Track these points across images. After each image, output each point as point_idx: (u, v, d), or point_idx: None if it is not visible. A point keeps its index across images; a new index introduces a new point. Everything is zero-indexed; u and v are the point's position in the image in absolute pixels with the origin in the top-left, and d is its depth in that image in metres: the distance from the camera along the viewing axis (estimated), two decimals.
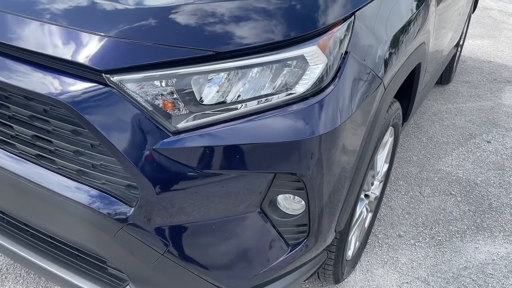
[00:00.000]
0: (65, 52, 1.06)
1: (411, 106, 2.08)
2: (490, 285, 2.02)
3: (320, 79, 1.17)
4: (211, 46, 1.08)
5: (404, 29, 1.51)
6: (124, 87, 1.06)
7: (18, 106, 1.18)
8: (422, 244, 2.23)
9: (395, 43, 1.44)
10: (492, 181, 2.81)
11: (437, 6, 2.01)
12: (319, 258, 1.50)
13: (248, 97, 1.14)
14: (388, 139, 1.90)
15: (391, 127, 1.84)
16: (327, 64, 1.18)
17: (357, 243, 1.98)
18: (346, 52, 1.23)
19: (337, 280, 1.79)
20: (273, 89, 1.15)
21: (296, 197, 1.26)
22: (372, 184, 1.93)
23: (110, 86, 1.06)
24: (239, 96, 1.13)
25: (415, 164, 2.91)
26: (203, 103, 1.11)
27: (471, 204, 2.58)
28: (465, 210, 2.52)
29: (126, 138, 1.07)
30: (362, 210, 1.86)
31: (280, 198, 1.27)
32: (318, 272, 1.71)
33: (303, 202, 1.25)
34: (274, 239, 1.28)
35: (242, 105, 1.13)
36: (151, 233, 1.16)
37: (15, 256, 1.42)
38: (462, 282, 2.02)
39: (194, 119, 1.11)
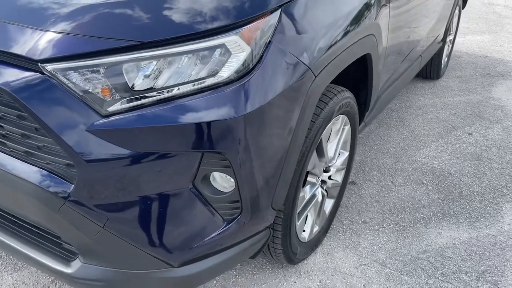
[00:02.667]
0: (5, 44, 1.20)
1: (369, 97, 2.17)
2: (446, 267, 2.09)
3: (243, 65, 1.28)
4: (136, 37, 1.20)
5: (337, 22, 1.61)
6: (57, 75, 1.19)
7: None
8: (386, 230, 2.31)
9: (327, 34, 1.54)
10: (466, 171, 2.86)
11: (390, 2, 2.10)
12: (261, 235, 1.60)
13: (176, 83, 1.25)
14: (342, 127, 1.99)
15: (343, 116, 1.93)
16: (251, 53, 1.29)
17: (316, 227, 2.08)
18: (270, 42, 1.34)
19: (290, 260, 1.89)
20: (200, 74, 1.26)
21: (227, 175, 1.37)
22: (327, 170, 2.03)
23: (45, 74, 1.19)
24: (167, 82, 1.25)
25: (392, 156, 2.99)
26: (134, 89, 1.23)
27: (441, 192, 2.64)
28: (434, 198, 2.58)
29: (61, 121, 1.20)
30: (315, 194, 1.95)
31: (216, 175, 1.39)
32: (269, 251, 1.81)
33: (232, 179, 1.37)
34: (209, 215, 1.39)
35: (170, 90, 1.25)
36: (90, 208, 1.29)
37: None
38: (419, 264, 2.09)
39: (124, 103, 1.23)
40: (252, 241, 1.57)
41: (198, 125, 1.24)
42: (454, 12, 3.90)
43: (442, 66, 4.30)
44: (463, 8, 4.48)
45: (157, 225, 1.35)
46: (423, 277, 2.02)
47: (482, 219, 2.42)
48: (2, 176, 1.35)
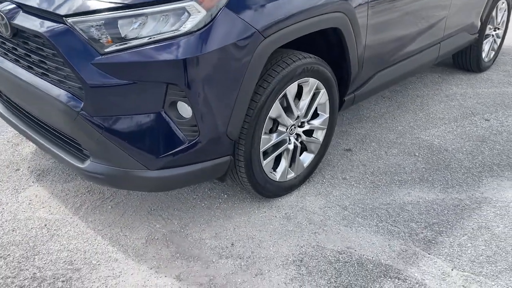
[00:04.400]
0: (43, 5, 1.87)
1: (349, 68, 2.55)
2: (401, 216, 2.39)
3: (199, 23, 1.81)
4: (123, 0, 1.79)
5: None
6: (74, 25, 1.81)
7: (32, 42, 2.01)
8: (360, 186, 2.66)
9: (279, 7, 2.00)
10: (464, 149, 3.05)
11: None
12: (223, 160, 2.11)
13: (152, 34, 1.82)
14: (314, 90, 2.39)
15: (313, 79, 2.34)
16: (205, 14, 1.81)
17: (292, 174, 2.51)
18: (223, 7, 1.84)
19: (258, 191, 2.36)
20: (168, 28, 1.81)
21: (186, 104, 1.90)
22: (302, 125, 2.45)
23: (67, 25, 1.83)
24: (147, 32, 1.81)
25: (397, 133, 3.27)
26: (124, 37, 1.82)
27: (428, 163, 2.89)
28: (419, 167, 2.85)
29: (75, 56, 1.83)
30: (284, 141, 2.38)
31: (181, 104, 1.92)
32: (238, 178, 2.29)
33: (190, 108, 1.89)
34: (175, 133, 1.94)
35: (148, 38, 1.81)
36: (92, 119, 1.90)
37: (32, 138, 2.27)
38: (376, 212, 2.43)
39: (116, 46, 1.82)
40: (214, 163, 2.08)
41: (162, 62, 1.79)
42: (493, 6, 3.98)
43: (486, 59, 4.37)
44: None
45: (138, 136, 1.93)
46: (375, 221, 2.36)
47: (457, 187, 2.65)
48: (46, 98, 2.02)
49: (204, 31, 1.82)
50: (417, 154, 3.00)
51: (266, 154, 2.34)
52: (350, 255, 2.13)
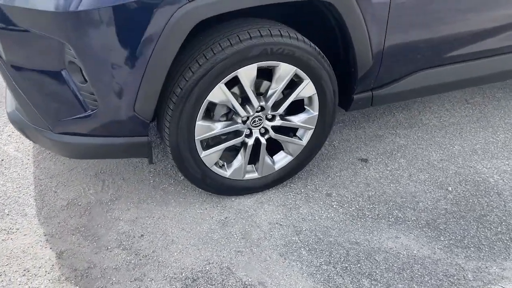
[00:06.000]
0: None
1: (354, 58, 1.93)
2: (358, 266, 1.80)
3: None
4: None
5: None
6: None
7: None
8: (340, 210, 2.08)
9: None
10: None
11: None
12: (139, 140, 1.81)
13: None
14: (290, 77, 1.87)
15: (288, 65, 1.83)
16: None
17: (255, 174, 2.08)
18: None
19: (196, 183, 2.00)
20: None
21: None
22: (272, 119, 1.97)
23: None
24: None
25: (447, 153, 2.49)
26: None
27: (457, 205, 2.13)
28: (439, 207, 2.12)
29: None
30: (241, 133, 1.94)
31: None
32: (177, 166, 1.95)
33: None
34: (76, 98, 1.70)
35: None
36: (7, 66, 1.75)
37: None
38: (332, 249, 1.87)
39: None
40: (126, 141, 1.80)
41: (45, 13, 1.52)
42: None
43: None
44: None
45: (42, 94, 1.74)
46: (321, 260, 1.82)
47: (472, 249, 1.90)
48: None
49: None
50: (450, 188, 2.23)
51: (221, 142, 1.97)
52: None
